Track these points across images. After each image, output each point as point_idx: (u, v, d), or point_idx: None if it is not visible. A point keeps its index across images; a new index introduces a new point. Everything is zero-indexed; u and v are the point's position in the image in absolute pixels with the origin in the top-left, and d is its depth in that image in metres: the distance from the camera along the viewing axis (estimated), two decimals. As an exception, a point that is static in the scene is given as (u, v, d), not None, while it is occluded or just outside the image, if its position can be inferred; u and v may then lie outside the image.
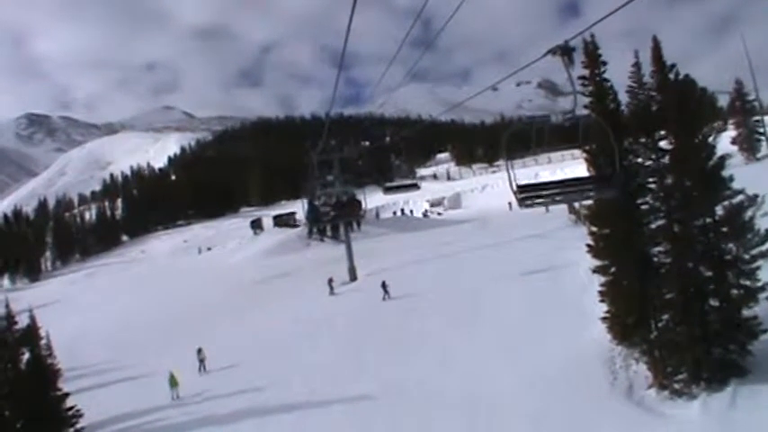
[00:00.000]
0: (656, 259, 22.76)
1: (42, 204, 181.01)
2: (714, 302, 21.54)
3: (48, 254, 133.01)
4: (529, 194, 14.39)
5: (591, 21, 11.58)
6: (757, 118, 70.82)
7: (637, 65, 22.85)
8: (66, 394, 26.78)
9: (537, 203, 14.90)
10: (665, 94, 21.97)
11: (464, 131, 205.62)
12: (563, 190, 15.03)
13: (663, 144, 22.32)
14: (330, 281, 49.32)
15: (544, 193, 14.67)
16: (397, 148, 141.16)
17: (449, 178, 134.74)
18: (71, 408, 26.14)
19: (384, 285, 43.42)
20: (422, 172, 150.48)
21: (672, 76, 21.84)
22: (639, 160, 22.74)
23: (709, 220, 21.67)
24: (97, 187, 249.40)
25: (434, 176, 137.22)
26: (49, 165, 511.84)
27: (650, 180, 22.66)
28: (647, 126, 22.33)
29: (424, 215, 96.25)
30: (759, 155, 67.32)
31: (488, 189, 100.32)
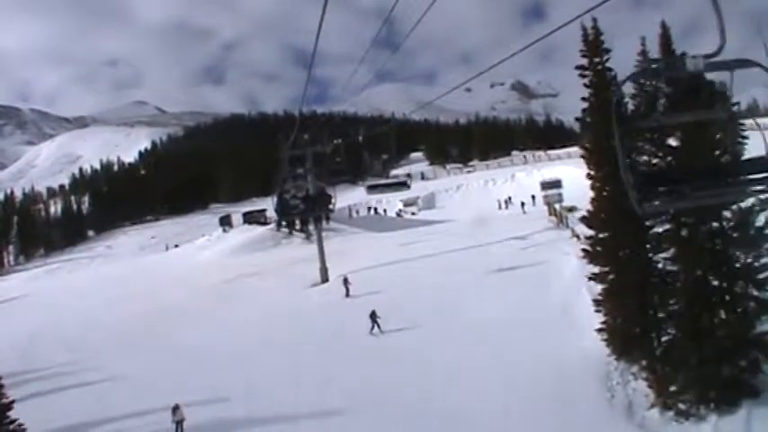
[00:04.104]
0: (660, 266, 20.90)
1: (9, 197, 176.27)
2: (723, 315, 19.75)
3: (11, 248, 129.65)
4: (656, 190, 9.14)
5: (554, 23, 9.38)
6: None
7: (644, 53, 20.91)
8: (12, 402, 24.44)
9: (669, 205, 10.46)
10: (674, 86, 20.01)
11: (438, 131, 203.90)
12: (718, 185, 9.13)
13: (671, 141, 20.44)
14: (345, 280, 44.78)
15: (682, 188, 9.00)
16: (387, 142, 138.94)
17: (423, 178, 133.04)
18: (13, 421, 23.76)
19: (373, 316, 33.97)
20: (394, 171, 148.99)
21: (682, 65, 19.92)
22: (645, 158, 20.77)
23: (716, 224, 19.86)
24: (66, 181, 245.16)
25: (408, 176, 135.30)
26: (19, 157, 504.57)
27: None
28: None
29: (398, 215, 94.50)
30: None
31: (463, 189, 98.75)
